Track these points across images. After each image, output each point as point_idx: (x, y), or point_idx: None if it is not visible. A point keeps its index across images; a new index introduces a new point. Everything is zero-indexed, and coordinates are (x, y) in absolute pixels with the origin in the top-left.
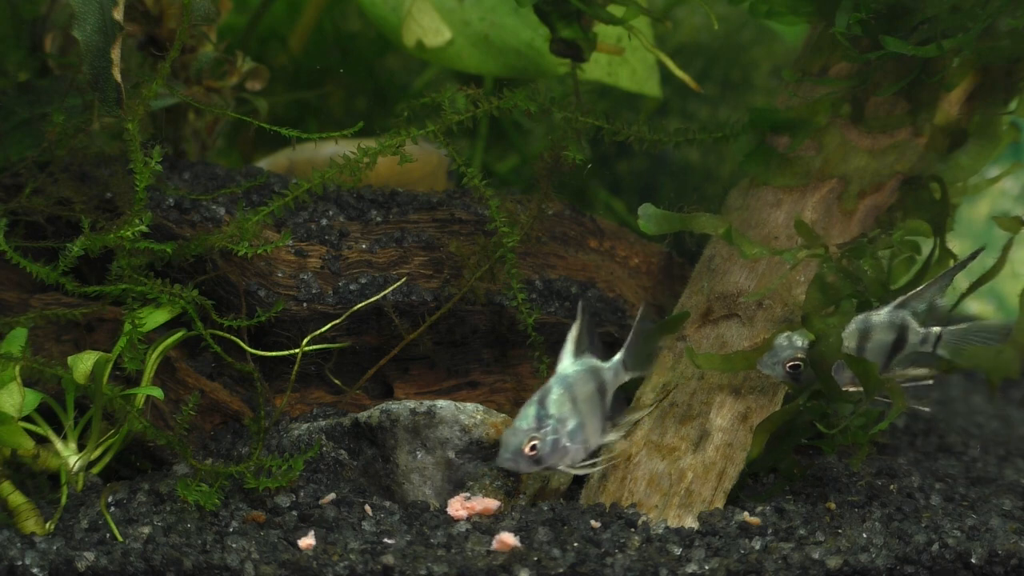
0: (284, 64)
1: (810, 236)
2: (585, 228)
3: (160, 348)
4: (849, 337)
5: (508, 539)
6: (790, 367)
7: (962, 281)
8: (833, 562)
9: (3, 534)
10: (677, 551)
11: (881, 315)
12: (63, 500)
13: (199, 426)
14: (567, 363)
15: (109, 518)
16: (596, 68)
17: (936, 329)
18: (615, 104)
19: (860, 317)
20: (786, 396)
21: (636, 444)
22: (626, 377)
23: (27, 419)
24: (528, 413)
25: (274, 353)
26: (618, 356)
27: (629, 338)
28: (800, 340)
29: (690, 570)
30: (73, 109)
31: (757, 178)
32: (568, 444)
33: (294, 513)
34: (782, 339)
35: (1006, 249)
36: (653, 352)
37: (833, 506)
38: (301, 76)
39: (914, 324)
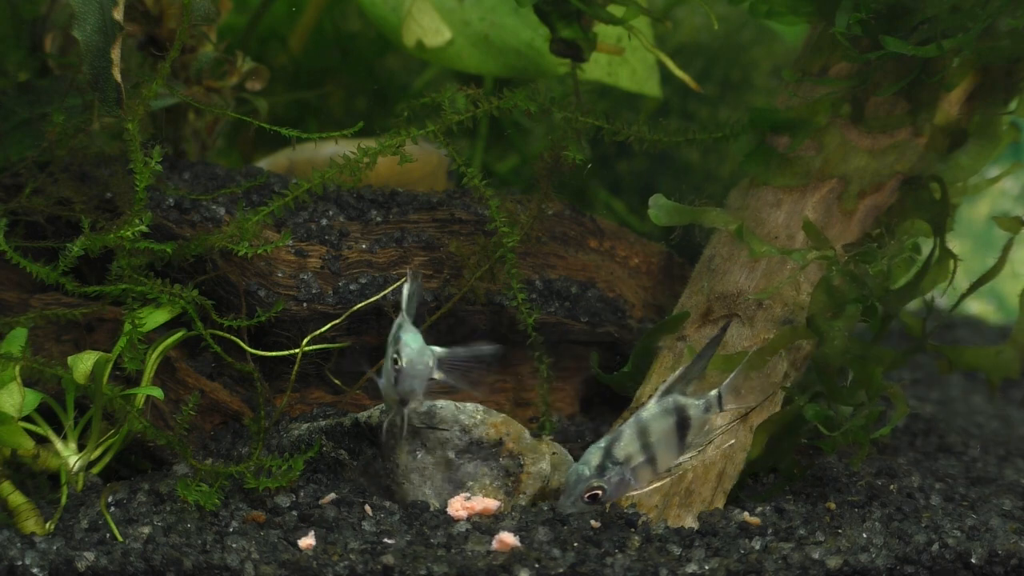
0: (284, 64)
1: (818, 238)
2: (585, 228)
3: (160, 348)
4: (631, 446)
5: (508, 539)
6: (588, 498)
7: (962, 281)
8: (833, 562)
9: (3, 534)
10: (677, 551)
11: (651, 409)
12: (63, 500)
13: (199, 426)
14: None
15: (109, 518)
16: (596, 68)
17: (713, 392)
18: (615, 104)
19: (630, 423)
20: (786, 397)
21: None
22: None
23: (27, 419)
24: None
25: (274, 353)
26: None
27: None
28: (586, 469)
29: (690, 570)
30: (73, 109)
31: (757, 178)
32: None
33: (294, 513)
34: (571, 474)
35: (1006, 249)
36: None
37: (833, 506)
38: (301, 76)
39: (687, 400)
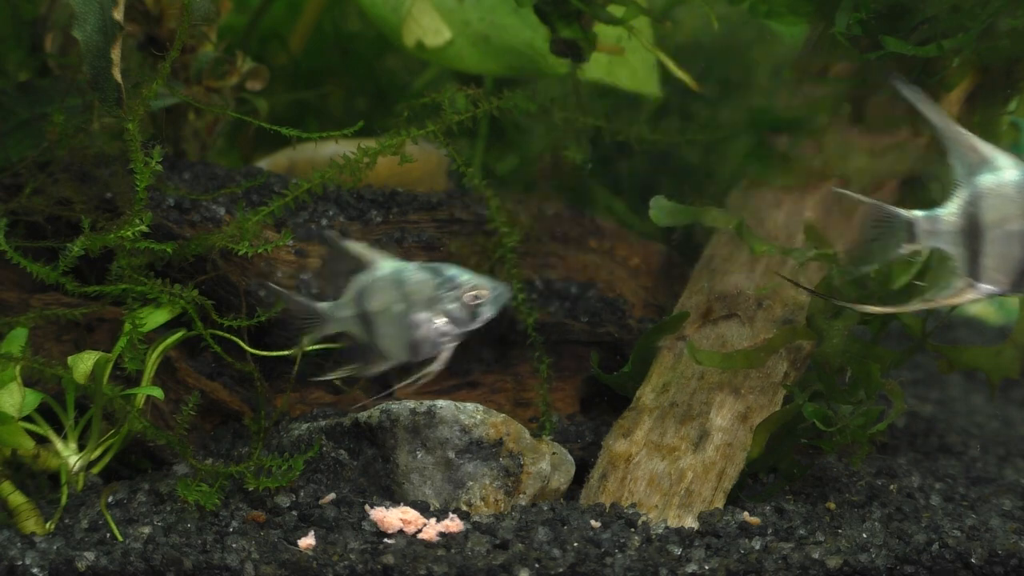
0: (284, 64)
1: (819, 239)
2: (585, 228)
3: (160, 348)
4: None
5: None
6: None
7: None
8: (833, 562)
9: (3, 534)
10: (677, 551)
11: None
12: (63, 500)
13: (199, 426)
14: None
15: (109, 518)
16: (596, 68)
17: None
18: (615, 104)
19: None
20: (786, 396)
21: (636, 444)
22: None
23: (27, 419)
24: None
25: (274, 353)
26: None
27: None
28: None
29: (690, 570)
30: (73, 109)
31: (757, 178)
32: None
33: (294, 513)
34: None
35: None
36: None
37: (833, 506)
38: (301, 76)
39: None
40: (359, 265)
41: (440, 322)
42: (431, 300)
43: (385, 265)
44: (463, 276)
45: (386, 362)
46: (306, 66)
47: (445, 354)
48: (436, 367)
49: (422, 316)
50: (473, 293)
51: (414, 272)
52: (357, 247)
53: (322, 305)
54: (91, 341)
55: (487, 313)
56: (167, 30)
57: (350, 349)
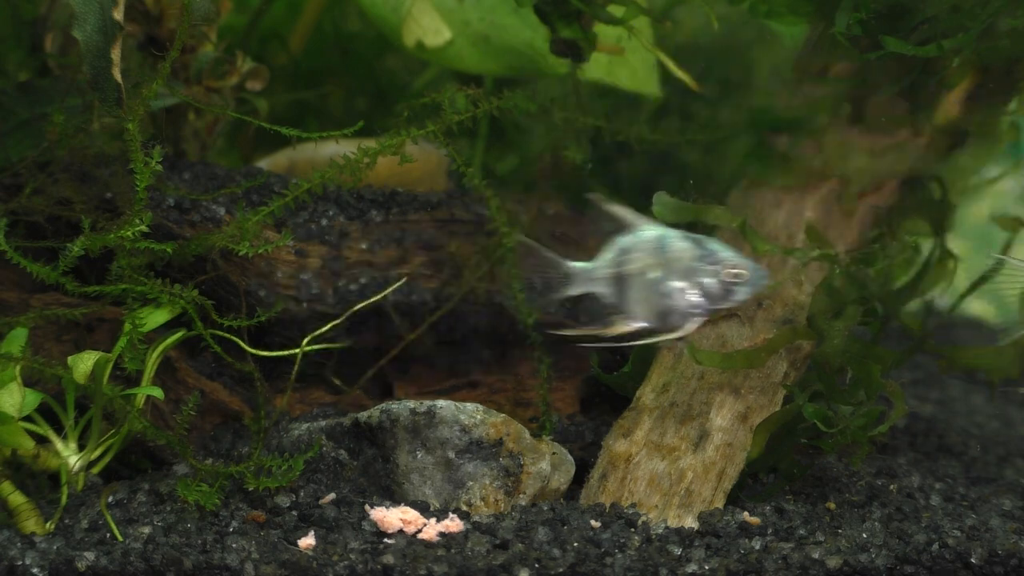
0: (284, 64)
1: (820, 240)
2: (585, 228)
3: (160, 348)
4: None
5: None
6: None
7: (962, 281)
8: (833, 562)
9: (3, 534)
10: (677, 551)
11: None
12: (63, 500)
13: (199, 426)
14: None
15: (109, 518)
16: (596, 68)
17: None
18: (615, 104)
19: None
20: (786, 396)
21: (636, 444)
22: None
23: (27, 419)
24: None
25: (274, 353)
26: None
27: None
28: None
29: (690, 570)
30: (73, 109)
31: (757, 178)
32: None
33: (294, 513)
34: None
35: (1006, 249)
36: None
37: (833, 506)
38: (301, 76)
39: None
40: (621, 227)
41: (693, 294)
42: (689, 270)
43: (648, 229)
44: (725, 252)
45: (628, 324)
46: (306, 66)
47: (691, 326)
48: (678, 335)
49: (677, 285)
50: (733, 271)
51: (677, 240)
52: (621, 210)
53: (576, 264)
54: (91, 341)
55: (742, 294)
56: (167, 30)
57: (592, 311)
